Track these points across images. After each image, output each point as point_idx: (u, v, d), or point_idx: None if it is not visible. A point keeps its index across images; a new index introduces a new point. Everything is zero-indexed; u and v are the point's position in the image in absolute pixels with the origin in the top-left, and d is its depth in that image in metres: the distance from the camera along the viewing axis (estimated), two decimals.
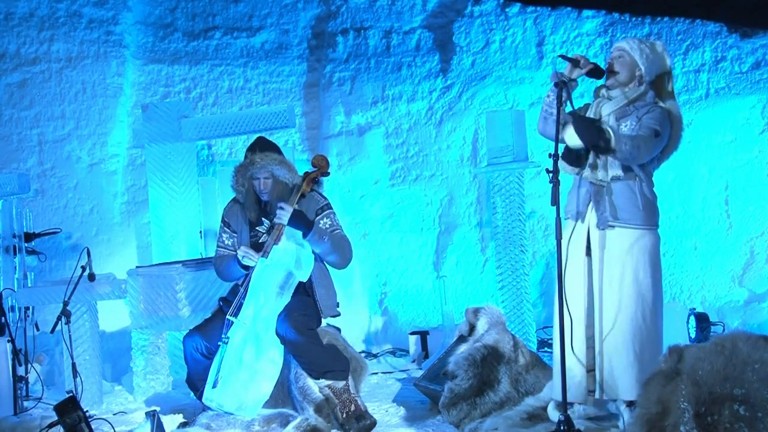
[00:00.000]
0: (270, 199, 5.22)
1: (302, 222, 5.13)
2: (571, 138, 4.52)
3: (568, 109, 4.53)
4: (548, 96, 4.56)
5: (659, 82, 4.67)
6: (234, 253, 5.22)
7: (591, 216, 4.59)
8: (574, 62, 4.55)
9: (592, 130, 4.43)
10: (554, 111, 4.44)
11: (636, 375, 4.39)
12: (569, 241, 4.62)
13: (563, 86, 4.46)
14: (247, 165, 5.23)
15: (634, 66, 4.62)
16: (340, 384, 5.05)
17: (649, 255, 4.53)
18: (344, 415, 5.01)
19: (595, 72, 4.62)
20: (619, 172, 4.53)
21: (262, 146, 5.30)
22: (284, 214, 5.07)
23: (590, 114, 4.67)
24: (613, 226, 4.51)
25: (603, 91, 4.70)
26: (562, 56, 4.64)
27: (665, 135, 4.54)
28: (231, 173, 5.35)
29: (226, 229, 5.36)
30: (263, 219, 5.27)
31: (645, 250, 4.52)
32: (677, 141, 4.65)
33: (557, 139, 4.38)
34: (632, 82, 4.63)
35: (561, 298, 4.33)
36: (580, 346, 4.57)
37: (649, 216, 4.56)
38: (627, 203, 4.51)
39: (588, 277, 4.58)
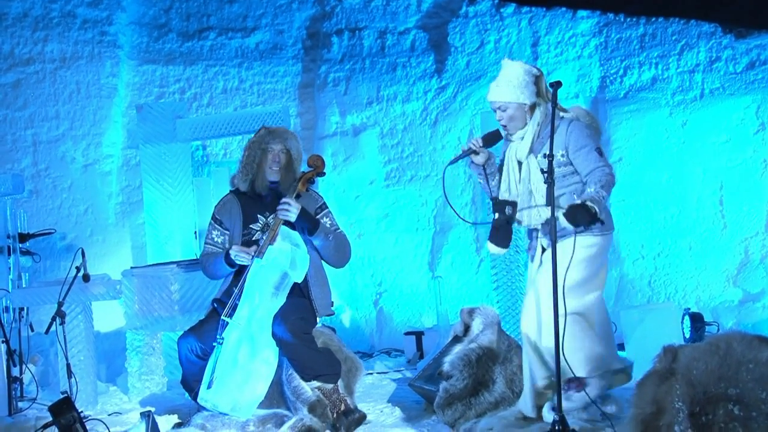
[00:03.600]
0: (279, 178, 5.20)
1: (309, 219, 5.14)
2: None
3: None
4: (479, 182, 4.85)
5: (540, 89, 4.66)
6: (221, 251, 5.20)
7: (542, 241, 4.68)
8: (467, 153, 4.73)
9: (581, 213, 4.40)
10: (482, 182, 4.79)
11: (586, 353, 4.47)
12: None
13: (484, 170, 4.78)
14: (263, 134, 5.22)
15: (517, 107, 4.63)
16: (330, 386, 5.07)
17: (590, 257, 4.57)
18: (335, 415, 5.02)
19: (491, 139, 4.71)
20: (555, 213, 4.53)
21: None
22: (293, 210, 5.06)
23: (508, 161, 4.71)
24: (562, 237, 4.50)
25: (510, 136, 4.75)
26: (451, 162, 4.78)
27: (599, 139, 4.61)
28: (238, 161, 5.32)
29: (216, 226, 5.32)
30: (258, 216, 5.26)
31: (583, 253, 4.54)
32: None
33: (552, 139, 4.38)
34: (526, 117, 4.65)
35: (555, 299, 4.32)
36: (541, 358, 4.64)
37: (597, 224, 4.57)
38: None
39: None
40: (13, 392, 5.90)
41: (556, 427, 4.20)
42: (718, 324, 7.38)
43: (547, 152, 4.46)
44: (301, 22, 8.70)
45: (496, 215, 4.71)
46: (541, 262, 4.72)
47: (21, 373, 6.16)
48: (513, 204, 4.70)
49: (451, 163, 4.78)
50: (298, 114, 8.63)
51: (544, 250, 4.75)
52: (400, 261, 8.48)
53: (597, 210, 4.37)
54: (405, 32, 8.68)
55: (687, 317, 6.84)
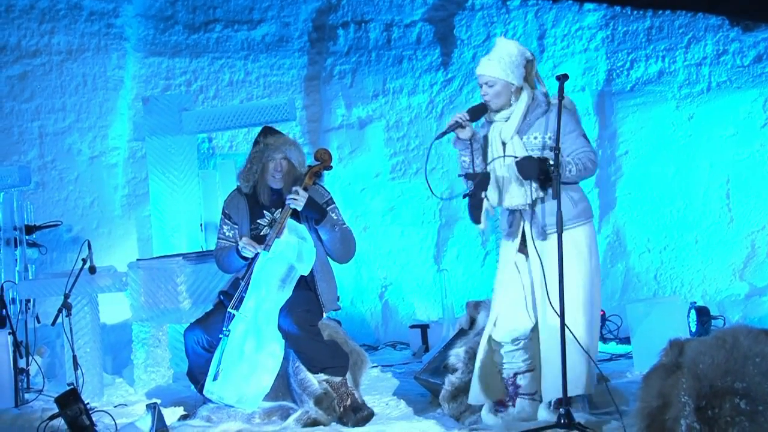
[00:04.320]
0: (282, 185, 5.21)
1: (316, 208, 5.14)
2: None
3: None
4: (462, 161, 4.70)
5: (530, 73, 4.65)
6: (234, 244, 5.22)
7: (527, 229, 4.61)
8: (453, 127, 4.61)
9: (530, 164, 4.40)
10: (467, 159, 4.63)
11: (587, 369, 4.42)
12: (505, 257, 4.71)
13: (470, 145, 4.61)
14: (262, 149, 5.22)
15: (505, 85, 4.58)
16: (337, 379, 5.07)
17: (587, 247, 4.56)
18: (342, 409, 5.02)
19: (478, 113, 4.65)
20: (540, 193, 4.50)
21: (272, 132, 5.33)
22: (300, 199, 5.07)
23: (492, 142, 4.66)
24: (550, 234, 4.49)
25: (493, 116, 4.68)
26: (438, 137, 4.71)
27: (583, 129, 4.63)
28: (241, 165, 5.34)
29: (226, 220, 5.34)
30: (265, 212, 5.27)
31: (584, 244, 4.55)
32: None
33: (558, 132, 4.37)
34: (512, 97, 4.61)
35: (561, 292, 4.31)
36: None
37: (582, 212, 4.57)
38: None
39: (524, 284, 4.62)
40: (20, 384, 5.92)
41: (562, 421, 4.21)
42: (724, 318, 7.37)
43: (535, 134, 4.51)
44: (307, 14, 8.69)
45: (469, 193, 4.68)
46: (537, 255, 4.57)
47: (27, 365, 6.18)
48: (475, 177, 4.64)
49: (438, 137, 4.74)
50: (303, 106, 8.62)
51: (524, 240, 4.67)
52: (405, 254, 8.47)
53: (551, 169, 4.34)
54: (411, 25, 8.66)
55: (693, 311, 6.82)
